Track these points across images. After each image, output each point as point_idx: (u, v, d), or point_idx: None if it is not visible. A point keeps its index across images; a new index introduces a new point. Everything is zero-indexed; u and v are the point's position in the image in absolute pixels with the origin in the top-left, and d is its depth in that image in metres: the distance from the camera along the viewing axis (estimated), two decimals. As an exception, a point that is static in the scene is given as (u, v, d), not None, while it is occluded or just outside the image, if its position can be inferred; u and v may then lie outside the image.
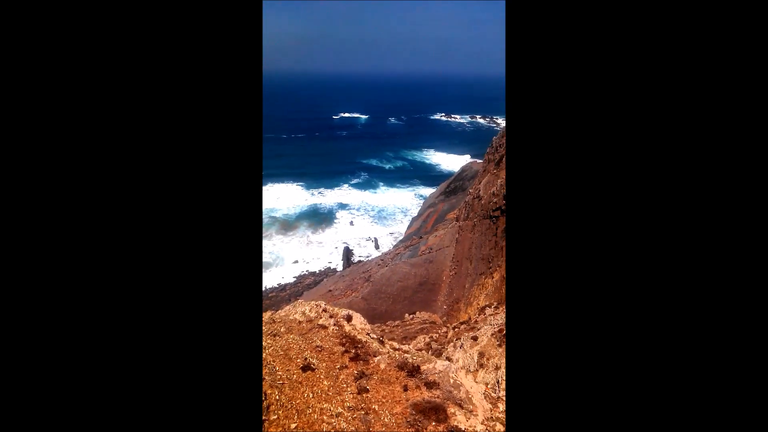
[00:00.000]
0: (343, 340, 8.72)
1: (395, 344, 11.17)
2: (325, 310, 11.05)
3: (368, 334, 10.31)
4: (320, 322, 9.98)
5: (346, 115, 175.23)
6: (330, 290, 43.35)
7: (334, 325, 9.86)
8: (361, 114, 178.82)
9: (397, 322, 35.44)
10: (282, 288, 46.85)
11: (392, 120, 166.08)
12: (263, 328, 10.69)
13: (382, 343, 10.25)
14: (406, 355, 7.47)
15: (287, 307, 13.74)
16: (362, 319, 11.21)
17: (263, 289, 46.13)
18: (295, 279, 48.88)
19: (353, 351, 7.61)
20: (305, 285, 46.98)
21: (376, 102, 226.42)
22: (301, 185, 77.49)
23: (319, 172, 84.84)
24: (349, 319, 10.81)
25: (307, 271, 50.69)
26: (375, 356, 7.28)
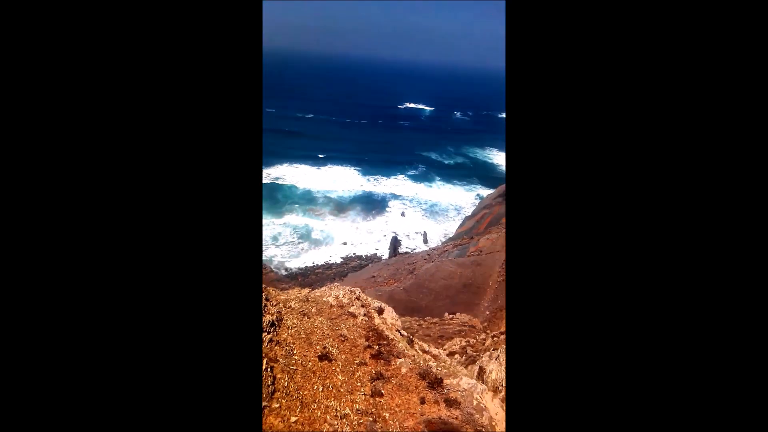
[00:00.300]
0: (370, 333, 8.30)
1: (425, 346, 10.57)
2: (358, 298, 10.71)
3: (398, 330, 9.79)
4: (351, 309, 9.64)
5: (411, 105, 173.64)
6: (374, 276, 43.44)
7: (364, 315, 9.45)
8: (427, 106, 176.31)
9: (435, 320, 34.71)
10: (328, 266, 47.71)
11: (458, 114, 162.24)
12: (297, 305, 10.58)
13: (411, 342, 9.68)
14: (431, 363, 6.92)
15: (324, 288, 13.57)
16: (394, 314, 10.70)
17: (311, 264, 47.25)
18: (342, 260, 49.57)
19: (376, 347, 7.18)
20: (350, 267, 47.49)
21: (443, 94, 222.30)
22: (358, 170, 78.16)
23: (377, 160, 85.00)
24: (380, 311, 10.35)
25: (354, 254, 51.20)
26: (398, 357, 6.81)
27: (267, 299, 10.69)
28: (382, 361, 6.64)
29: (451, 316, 34.52)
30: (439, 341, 25.69)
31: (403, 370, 6.40)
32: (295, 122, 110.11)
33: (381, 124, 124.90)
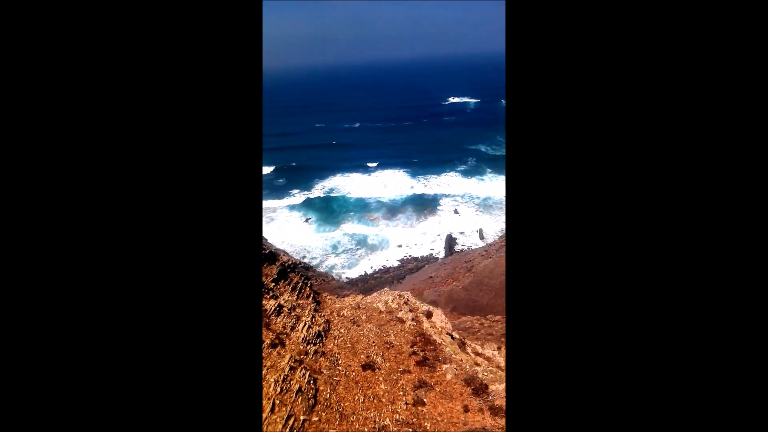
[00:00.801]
0: (417, 338, 8.19)
1: (479, 348, 10.23)
2: (406, 302, 10.66)
3: (449, 333, 9.59)
4: (399, 314, 9.60)
5: (456, 100, 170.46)
6: (431, 276, 43.05)
7: (412, 320, 9.38)
8: (471, 98, 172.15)
9: (498, 317, 33.60)
10: (386, 270, 48.07)
11: (504, 102, 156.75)
12: (349, 312, 10.77)
13: (462, 345, 9.43)
14: (477, 368, 6.67)
15: (374, 294, 13.68)
16: (443, 316, 10.51)
17: (369, 269, 47.88)
18: (398, 263, 49.72)
19: (422, 354, 7.06)
20: (407, 269, 47.46)
21: (487, 84, 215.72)
22: (407, 172, 78.08)
23: (425, 159, 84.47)
24: (429, 315, 10.21)
25: (410, 255, 51.14)
26: (444, 363, 6.65)
27: (317, 310, 11.02)
28: (426, 367, 6.52)
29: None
30: (502, 339, 24.83)
31: (448, 377, 6.24)
32: (343, 134, 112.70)
33: (426, 123, 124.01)
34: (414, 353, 6.87)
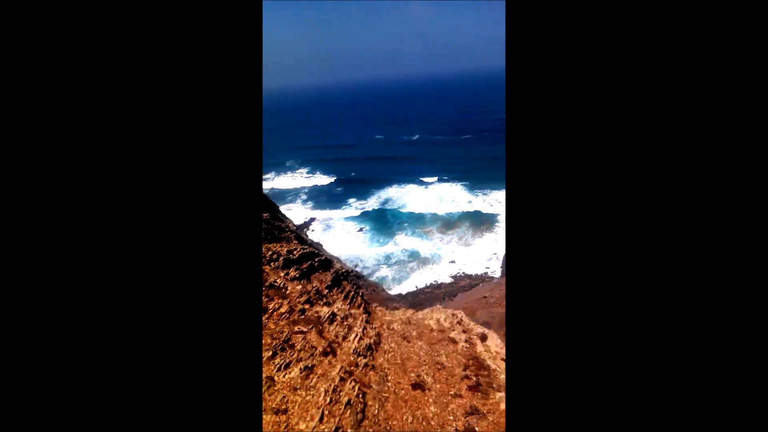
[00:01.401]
0: (470, 361, 7.88)
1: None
2: (459, 322, 10.37)
3: (503, 359, 9.14)
4: (452, 334, 9.32)
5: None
6: (485, 296, 41.66)
7: (466, 341, 9.05)
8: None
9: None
10: (437, 286, 47.31)
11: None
12: (399, 327, 10.63)
13: (517, 372, 8.92)
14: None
15: (426, 310, 13.38)
16: (499, 341, 10.03)
17: (421, 283, 47.42)
18: (451, 279, 48.74)
19: (475, 378, 6.74)
20: (460, 287, 46.35)
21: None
22: (465, 186, 76.78)
23: (484, 174, 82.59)
24: (483, 338, 9.81)
25: (463, 273, 49.95)
26: (498, 391, 6.29)
27: (368, 322, 10.99)
28: (479, 393, 6.21)
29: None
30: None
31: (503, 406, 5.88)
32: (402, 146, 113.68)
33: (487, 136, 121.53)
34: (466, 377, 6.59)
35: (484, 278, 48.30)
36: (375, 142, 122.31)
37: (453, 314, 10.24)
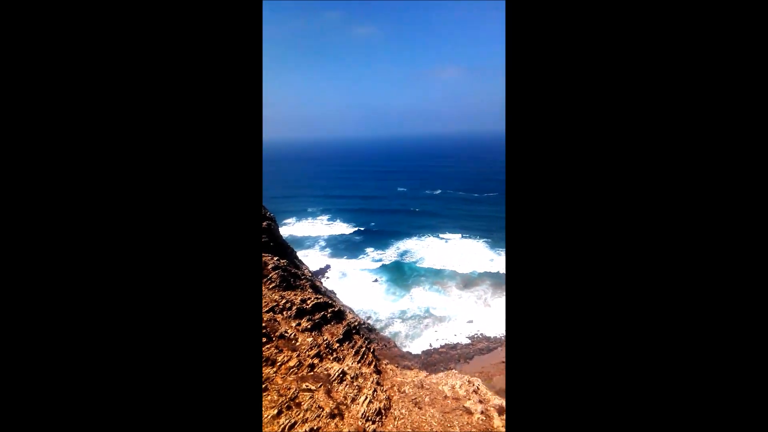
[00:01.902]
0: (486, 438, 7.23)
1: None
2: (476, 391, 9.72)
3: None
4: (467, 404, 8.70)
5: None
6: (503, 361, 39.59)
7: (482, 413, 8.41)
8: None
9: None
10: (453, 346, 45.29)
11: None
12: (411, 390, 10.10)
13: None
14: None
15: (441, 374, 12.62)
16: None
17: (435, 341, 45.58)
18: (468, 340, 46.69)
19: (491, 459, 6.12)
20: (477, 349, 44.26)
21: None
22: (487, 243, 75.82)
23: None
24: (501, 411, 9.12)
25: (481, 334, 47.89)
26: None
27: (379, 383, 10.38)
28: (496, 478, 5.59)
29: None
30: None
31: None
32: (424, 201, 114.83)
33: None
34: (482, 456, 5.99)
35: (502, 341, 46.10)
36: (397, 194, 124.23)
37: (470, 381, 9.61)
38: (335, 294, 48.28)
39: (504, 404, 8.74)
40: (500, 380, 33.89)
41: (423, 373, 12.55)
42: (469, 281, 60.43)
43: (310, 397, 8.66)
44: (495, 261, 68.56)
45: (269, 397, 8.47)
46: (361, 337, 16.41)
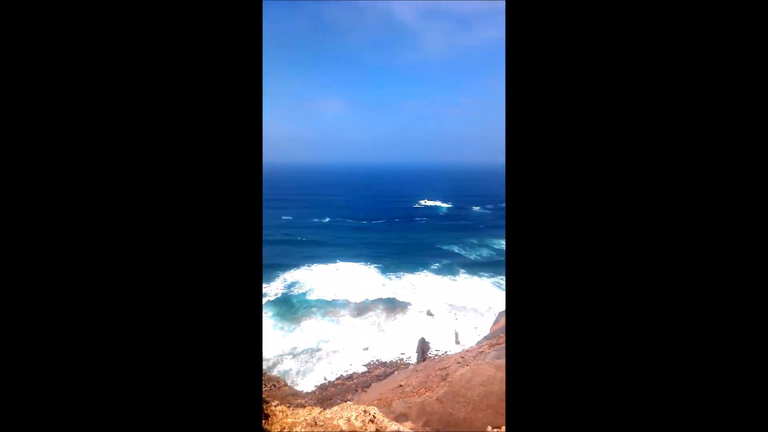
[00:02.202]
0: (384, 473, 5.24)
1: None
2: (372, 420, 8.10)
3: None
4: (363, 437, 6.83)
5: (428, 203, 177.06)
6: (401, 385, 38.20)
7: (379, 444, 6.59)
8: (443, 202, 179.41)
9: (478, 438, 28.84)
10: (349, 377, 42.61)
11: (476, 209, 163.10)
12: (303, 430, 8.82)
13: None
14: None
15: (335, 408, 11.11)
16: (418, 440, 7.68)
17: (330, 374, 42.35)
18: (364, 368, 44.43)
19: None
20: (374, 375, 42.23)
21: (458, 191, 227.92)
22: (378, 268, 75.51)
23: (396, 258, 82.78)
24: (400, 438, 7.28)
25: (377, 360, 46.05)
26: (418, 499, 4.52)
27: (267, 425, 8.86)
28: None
29: (495, 430, 28.62)
30: (488, 468, 20.32)
31: None
32: (311, 229, 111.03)
33: (398, 223, 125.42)
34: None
35: (399, 365, 44.89)
36: (282, 223, 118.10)
37: (365, 411, 8.00)
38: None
39: (401, 429, 7.21)
40: (399, 405, 32.13)
41: (317, 410, 10.83)
42: (362, 308, 58.64)
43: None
44: (387, 285, 68.31)
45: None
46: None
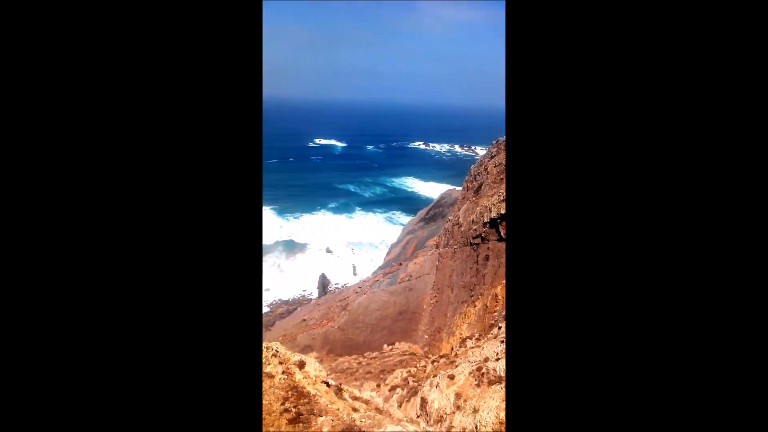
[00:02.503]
0: (289, 392, 7.16)
1: (356, 392, 9.58)
2: (275, 355, 9.45)
3: (324, 381, 8.72)
4: (267, 369, 8.37)
5: (323, 141, 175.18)
6: (304, 319, 41.18)
7: (283, 373, 8.24)
8: (338, 141, 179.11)
9: (375, 354, 33.53)
10: (252, 319, 44.21)
11: (370, 147, 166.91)
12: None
13: (339, 392, 8.65)
14: (354, 415, 6.03)
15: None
16: (317, 364, 9.59)
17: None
18: (267, 308, 46.41)
19: (295, 409, 6.10)
20: (277, 314, 44.61)
21: (353, 130, 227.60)
22: (274, 209, 75.47)
23: (293, 198, 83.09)
24: (301, 365, 9.19)
25: (279, 299, 48.33)
26: (319, 416, 5.83)
27: None
28: (300, 424, 5.61)
29: (390, 347, 33.55)
30: (381, 376, 24.57)
31: (325, 430, 5.44)
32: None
33: (292, 162, 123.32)
34: (286, 410, 5.94)
35: (301, 302, 47.84)
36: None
37: (266, 347, 9.42)
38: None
39: (303, 359, 8.94)
40: (304, 338, 35.25)
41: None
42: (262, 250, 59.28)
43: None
44: (285, 227, 69.29)
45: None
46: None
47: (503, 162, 35.39)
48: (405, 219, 74.10)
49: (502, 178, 33.40)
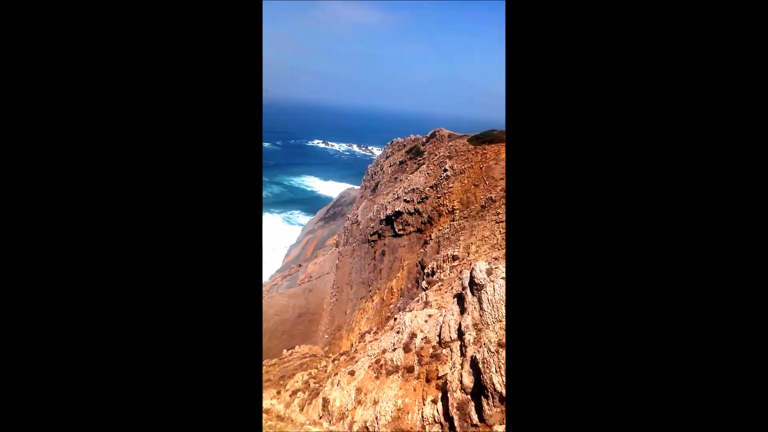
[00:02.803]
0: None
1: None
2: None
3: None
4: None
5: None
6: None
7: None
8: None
9: (274, 360, 32.36)
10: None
11: (267, 145, 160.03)
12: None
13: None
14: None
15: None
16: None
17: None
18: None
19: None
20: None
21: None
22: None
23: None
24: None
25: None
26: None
27: None
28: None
29: (290, 351, 32.70)
30: (281, 382, 23.84)
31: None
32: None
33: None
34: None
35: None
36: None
37: None
38: None
39: None
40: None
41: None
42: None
43: None
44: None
45: None
46: None
47: (397, 162, 36.85)
48: (304, 219, 72.77)
49: (396, 177, 34.80)
